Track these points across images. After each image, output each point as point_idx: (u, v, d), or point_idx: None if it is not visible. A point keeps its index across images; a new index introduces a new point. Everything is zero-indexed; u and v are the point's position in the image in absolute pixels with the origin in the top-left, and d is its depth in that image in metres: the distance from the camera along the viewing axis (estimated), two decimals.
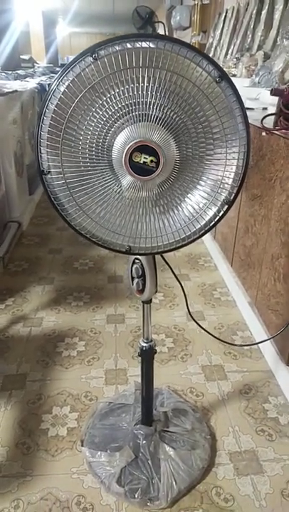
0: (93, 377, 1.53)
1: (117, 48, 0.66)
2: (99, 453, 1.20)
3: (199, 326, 1.30)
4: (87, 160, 0.74)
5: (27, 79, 4.01)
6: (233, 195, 0.77)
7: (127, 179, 0.72)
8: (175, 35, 6.99)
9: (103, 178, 0.75)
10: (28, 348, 1.67)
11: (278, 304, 1.53)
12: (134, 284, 0.99)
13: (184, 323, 1.84)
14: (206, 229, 0.80)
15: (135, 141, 0.68)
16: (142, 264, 0.95)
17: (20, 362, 1.60)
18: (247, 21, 3.17)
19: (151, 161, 0.69)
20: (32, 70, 5.09)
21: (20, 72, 4.26)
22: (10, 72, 4.01)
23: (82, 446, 1.24)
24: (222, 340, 1.54)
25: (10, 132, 2.56)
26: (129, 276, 1.00)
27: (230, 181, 0.76)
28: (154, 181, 0.72)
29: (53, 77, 4.98)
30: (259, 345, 1.70)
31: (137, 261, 0.96)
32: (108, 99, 0.71)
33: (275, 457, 1.23)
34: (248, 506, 1.10)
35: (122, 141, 0.72)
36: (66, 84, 0.69)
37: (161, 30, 7.26)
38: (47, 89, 4.03)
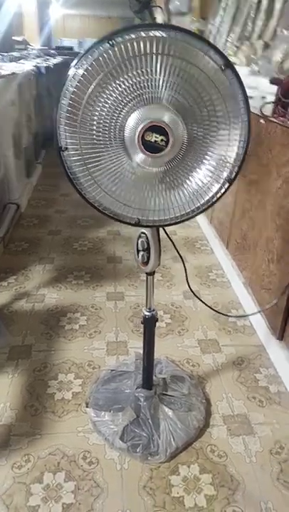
0: (95, 348, 1.62)
1: (132, 36, 0.74)
2: (103, 413, 1.29)
3: (199, 299, 1.39)
4: (101, 138, 0.82)
5: (22, 61, 3.99)
6: (234, 173, 0.85)
7: (139, 156, 0.80)
8: (173, 21, 6.98)
9: (116, 155, 0.83)
10: (32, 322, 1.76)
11: (271, 283, 1.63)
12: (140, 256, 1.07)
13: (181, 301, 1.94)
14: (209, 204, 0.89)
15: (147, 121, 0.76)
16: (147, 238, 1.04)
17: (25, 334, 1.69)
18: (247, 10, 3.21)
19: (162, 140, 0.77)
20: (26, 52, 5.05)
21: (15, 54, 4.24)
22: (5, 53, 3.99)
23: (87, 407, 1.34)
24: (218, 312, 1.64)
25: (8, 115, 2.59)
26: (135, 248, 1.08)
27: (231, 160, 0.85)
28: (162, 159, 0.80)
29: (48, 59, 4.97)
30: (252, 321, 1.80)
31: (142, 235, 1.04)
32: (122, 83, 0.78)
33: (265, 421, 1.34)
34: (240, 462, 1.21)
35: (134, 121, 0.79)
36: (84, 67, 0.76)
37: (159, 15, 7.25)
38: (43, 71, 4.04)
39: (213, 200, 0.88)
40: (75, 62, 0.77)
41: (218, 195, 0.87)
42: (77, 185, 0.85)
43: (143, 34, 0.72)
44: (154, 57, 0.74)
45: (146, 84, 0.77)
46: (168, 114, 0.77)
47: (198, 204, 0.89)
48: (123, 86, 0.78)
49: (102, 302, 1.91)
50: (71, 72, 0.77)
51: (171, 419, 1.27)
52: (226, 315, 1.80)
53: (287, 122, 1.53)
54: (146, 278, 1.16)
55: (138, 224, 0.90)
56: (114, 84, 0.78)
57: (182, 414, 1.30)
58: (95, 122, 0.81)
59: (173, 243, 1.16)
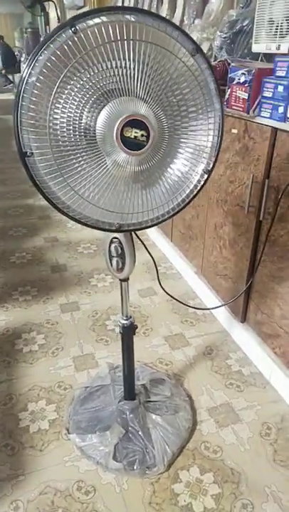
0: (62, 366, 1.50)
1: (98, 21, 0.65)
2: (88, 436, 1.20)
3: (172, 297, 1.35)
4: (72, 139, 0.73)
5: None
6: (212, 163, 0.82)
7: (120, 156, 0.72)
8: (68, 15, 6.78)
9: (91, 156, 0.74)
10: None
11: (226, 269, 1.65)
12: (114, 262, 1.00)
13: (138, 300, 1.89)
14: (190, 198, 0.84)
15: (125, 115, 0.69)
16: (120, 243, 0.96)
17: None
18: (149, 2, 3.21)
19: (142, 135, 0.71)
20: None
21: None
22: None
23: (69, 434, 1.23)
24: (189, 305, 1.62)
25: None
26: (107, 255, 1.00)
27: (208, 150, 0.81)
28: (143, 156, 0.74)
29: None
30: (213, 310, 1.82)
31: (114, 240, 0.96)
32: (90, 75, 0.69)
33: (247, 405, 1.36)
34: (235, 452, 1.20)
35: (106, 117, 0.71)
36: (44, 60, 0.66)
37: (51, 10, 6.98)
38: None
39: (194, 194, 0.84)
40: (33, 53, 0.67)
41: (198, 188, 0.83)
42: (49, 194, 0.74)
43: (112, 18, 0.65)
44: (126, 43, 0.66)
45: (117, 75, 0.69)
46: (144, 106, 0.71)
47: (178, 200, 0.84)
48: (91, 79, 0.69)
49: (57, 316, 1.78)
50: (27, 66, 0.67)
51: (161, 426, 1.22)
52: (198, 308, 1.79)
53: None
54: (121, 285, 1.09)
55: (119, 230, 0.82)
56: (80, 78, 0.69)
57: (170, 418, 1.26)
58: (63, 121, 0.71)
59: (144, 245, 1.10)
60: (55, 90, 0.67)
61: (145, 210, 0.82)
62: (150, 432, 1.21)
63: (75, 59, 0.66)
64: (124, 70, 0.69)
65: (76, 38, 0.66)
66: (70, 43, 0.65)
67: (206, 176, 0.82)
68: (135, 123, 0.70)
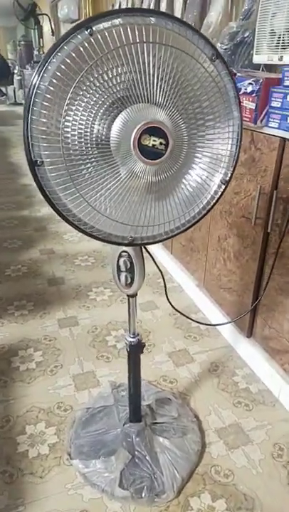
0: (61, 386, 1.43)
1: (117, 22, 0.61)
2: (92, 461, 1.13)
3: (177, 311, 1.30)
4: (83, 148, 0.68)
5: None
6: (230, 173, 0.78)
7: (137, 165, 0.68)
8: (63, 29, 6.80)
9: (103, 166, 0.69)
10: None
11: (231, 282, 1.61)
12: (122, 277, 0.95)
13: (140, 314, 1.83)
14: (206, 211, 0.80)
15: (143, 122, 0.64)
16: (129, 257, 0.91)
17: None
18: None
19: (160, 143, 0.66)
20: None
21: None
22: None
23: (71, 459, 1.16)
24: (199, 322, 1.56)
25: None
26: (115, 270, 0.95)
27: (226, 159, 0.77)
28: (162, 165, 0.69)
29: None
30: (215, 323, 1.77)
31: (124, 253, 0.91)
32: (105, 79, 0.65)
33: (257, 425, 1.30)
34: (247, 476, 1.14)
35: (122, 124, 0.67)
36: (57, 63, 0.62)
37: (45, 23, 7.01)
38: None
39: (211, 205, 0.79)
40: (46, 55, 0.63)
41: (215, 199, 0.79)
42: (59, 206, 0.69)
43: (130, 20, 0.61)
44: (145, 46, 0.62)
45: (135, 80, 0.65)
46: (162, 113, 0.67)
47: (194, 212, 0.79)
48: (107, 83, 0.65)
49: (54, 331, 1.71)
50: (39, 70, 0.62)
51: (170, 450, 1.16)
52: (207, 324, 1.74)
53: None
54: (128, 300, 1.04)
55: (132, 243, 0.77)
56: (96, 82, 0.64)
57: (179, 441, 1.19)
58: (75, 128, 0.67)
59: (153, 259, 1.05)
60: (69, 95, 0.63)
61: (161, 223, 0.78)
62: (158, 456, 1.14)
63: (90, 62, 0.62)
64: (143, 75, 0.65)
65: (92, 40, 0.61)
66: (85, 44, 0.61)
67: (223, 187, 0.78)
68: (153, 130, 0.66)
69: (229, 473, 1.15)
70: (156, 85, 0.66)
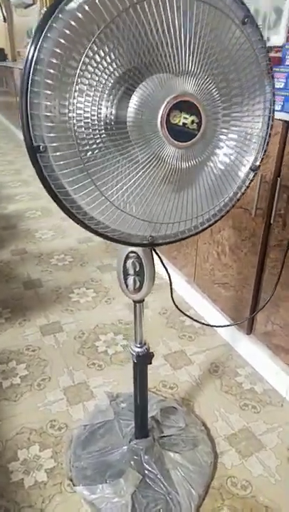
0: (52, 401, 1.29)
1: None
2: (100, 486, 1.01)
3: (184, 314, 1.19)
4: (96, 129, 0.55)
5: None
6: (260, 159, 0.67)
7: (163, 149, 0.55)
8: (15, 14, 6.44)
9: (121, 150, 0.57)
10: None
11: (226, 277, 1.52)
12: (130, 281, 0.82)
13: (128, 315, 1.71)
14: (232, 204, 0.69)
15: (174, 94, 0.52)
16: (138, 258, 0.79)
17: None
18: None
19: (192, 121, 0.54)
20: None
21: None
22: None
23: (74, 485, 1.03)
24: (208, 325, 1.47)
25: None
26: (121, 273, 0.83)
27: (256, 140, 0.66)
28: (190, 148, 0.57)
29: None
30: (209, 321, 1.68)
31: (132, 254, 0.79)
32: (122, 41, 0.52)
33: (267, 428, 1.23)
34: (266, 486, 1.07)
35: (144, 99, 0.54)
36: (61, 29, 0.48)
37: None
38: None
39: (237, 197, 0.69)
40: (41, 22, 0.49)
41: (242, 190, 0.68)
42: (67, 202, 0.56)
43: None
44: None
45: (159, 42, 0.52)
46: (194, 83, 0.54)
47: (220, 205, 0.68)
48: (124, 47, 0.52)
49: (37, 340, 1.56)
50: (35, 41, 0.48)
51: (182, 465, 1.06)
52: (210, 325, 1.63)
53: None
54: (134, 307, 0.92)
55: (152, 243, 0.65)
56: (110, 47, 0.51)
57: (190, 454, 1.10)
58: (88, 105, 0.54)
59: (160, 257, 0.93)
60: (79, 66, 0.49)
61: (183, 220, 0.66)
62: (170, 473, 1.04)
63: (104, 23, 0.49)
64: (168, 36, 0.52)
65: None
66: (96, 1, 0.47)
67: (252, 174, 0.68)
68: (183, 106, 0.53)
69: (246, 484, 1.07)
70: (186, 48, 0.53)
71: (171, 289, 1.07)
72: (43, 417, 1.24)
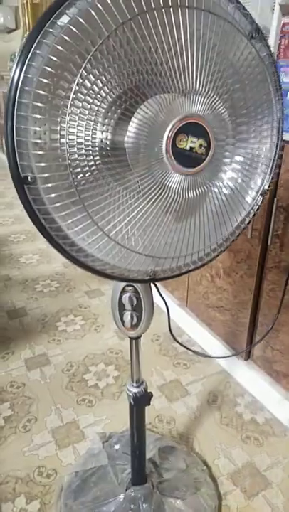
0: (39, 445, 1.19)
1: None
2: None
3: (179, 343, 1.12)
4: (90, 157, 0.48)
5: None
6: (269, 181, 0.62)
7: (168, 177, 0.49)
8: None
9: (123, 182, 0.50)
10: None
11: (222, 300, 1.46)
12: (127, 317, 0.75)
13: (118, 343, 1.62)
14: (239, 232, 0.63)
15: (180, 117, 0.46)
16: (135, 291, 0.72)
17: None
18: None
19: (200, 145, 0.48)
20: None
21: None
22: None
23: None
24: (211, 357, 1.39)
25: None
26: (117, 309, 0.75)
27: (264, 162, 0.61)
28: (200, 176, 0.51)
29: None
30: (203, 346, 1.61)
31: (128, 288, 0.72)
32: (120, 60, 0.46)
33: (272, 462, 1.15)
34: None
35: (145, 122, 0.48)
36: (52, 46, 0.42)
37: None
38: None
39: (244, 225, 0.63)
40: (29, 38, 0.43)
41: (250, 215, 0.62)
42: (59, 237, 0.49)
43: None
44: (178, 12, 0.44)
45: (164, 59, 0.46)
46: (204, 103, 0.49)
47: (227, 233, 0.62)
48: (124, 65, 0.46)
49: (22, 375, 1.45)
50: (21, 60, 0.42)
51: None
52: (212, 357, 1.55)
53: None
54: (131, 343, 0.84)
55: (154, 279, 0.58)
56: (106, 66, 0.45)
57: (193, 499, 1.01)
58: (81, 129, 0.47)
59: (157, 289, 0.86)
60: (73, 87, 0.43)
61: (189, 251, 0.59)
62: None
63: (101, 38, 0.43)
64: (174, 51, 0.47)
65: (99, 4, 0.42)
66: (91, 11, 0.41)
67: (261, 199, 0.62)
68: (190, 128, 0.47)
69: None
70: (192, 64, 0.48)
71: (168, 318, 1.00)
72: (30, 463, 1.13)
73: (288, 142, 1.07)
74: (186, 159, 0.48)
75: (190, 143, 0.47)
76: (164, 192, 0.50)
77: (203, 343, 1.62)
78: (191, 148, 0.48)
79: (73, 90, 0.42)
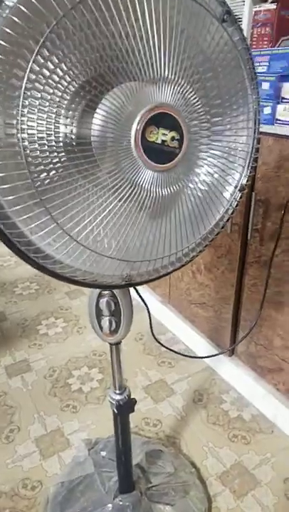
0: (22, 456, 1.14)
1: None
2: None
3: (164, 346, 1.09)
4: (52, 153, 0.44)
5: None
6: (247, 175, 0.59)
7: (140, 174, 0.45)
8: None
9: (92, 180, 0.46)
10: None
11: (204, 296, 1.44)
12: (105, 323, 0.71)
13: (102, 345, 1.58)
14: (218, 230, 0.60)
15: (149, 107, 0.42)
16: (113, 295, 0.68)
17: None
18: None
19: (173, 138, 0.45)
20: None
21: None
22: None
23: None
24: (185, 355, 1.35)
25: None
26: (94, 315, 0.71)
27: (242, 156, 0.58)
28: (173, 172, 0.48)
29: None
30: (187, 343, 1.59)
31: (105, 292, 0.68)
32: (79, 45, 0.42)
33: (260, 460, 1.14)
34: None
35: (112, 113, 0.44)
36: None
37: None
38: None
39: (224, 222, 0.60)
40: None
41: (229, 212, 0.59)
42: (21, 244, 0.44)
43: None
44: None
45: (128, 43, 0.42)
46: (174, 92, 0.45)
47: (205, 232, 0.59)
48: (81, 51, 0.42)
49: (3, 383, 1.40)
50: None
51: None
52: (197, 357, 1.51)
53: None
54: (111, 349, 0.80)
55: (129, 283, 0.54)
56: (63, 52, 0.41)
57: (182, 503, 0.98)
58: (42, 123, 0.43)
59: (136, 290, 0.82)
60: (26, 75, 0.39)
61: (166, 253, 0.56)
62: None
63: (55, 20, 0.39)
64: (139, 34, 0.43)
65: None
66: None
67: (239, 195, 0.59)
68: (160, 120, 0.44)
69: None
70: (160, 49, 0.44)
71: (150, 319, 0.97)
72: (14, 476, 1.08)
73: (264, 134, 1.05)
74: (158, 154, 0.45)
75: (161, 135, 0.44)
76: (135, 190, 0.46)
77: (187, 340, 1.59)
78: (163, 141, 0.44)
79: (28, 79, 0.38)
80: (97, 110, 0.44)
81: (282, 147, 1.03)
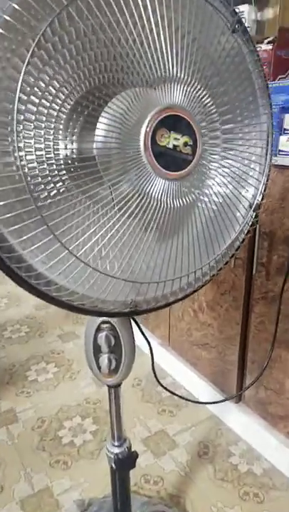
0: None
1: None
2: None
3: (168, 390, 0.99)
4: (52, 171, 0.39)
5: None
6: (261, 194, 0.54)
7: (149, 182, 0.40)
8: None
9: (94, 195, 0.41)
10: None
11: (206, 337, 1.35)
12: (104, 361, 0.63)
13: (96, 391, 1.46)
14: (232, 253, 0.54)
15: (158, 108, 0.38)
16: (113, 328, 0.61)
17: None
18: None
19: (185, 143, 0.40)
20: None
21: None
22: None
23: None
24: (188, 400, 1.25)
25: None
26: (92, 352, 0.63)
27: (256, 168, 0.53)
28: (187, 180, 0.42)
29: None
30: (189, 389, 1.48)
31: (104, 325, 0.61)
32: (84, 44, 0.38)
33: None
34: None
35: (117, 116, 0.40)
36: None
37: None
38: None
39: (238, 244, 0.54)
40: None
41: (243, 234, 0.54)
42: (21, 269, 0.38)
43: None
44: None
45: (134, 45, 0.39)
46: (185, 92, 0.41)
47: (218, 255, 0.53)
48: (79, 56, 0.38)
49: None
50: None
51: None
52: (202, 403, 1.40)
53: None
54: (109, 392, 0.71)
55: (134, 311, 0.47)
56: (60, 58, 0.37)
57: None
58: (40, 140, 0.38)
59: (138, 324, 0.75)
60: (18, 87, 0.34)
61: (177, 275, 0.50)
62: None
63: (49, 19, 0.35)
64: (149, 35, 0.39)
65: None
66: None
67: (253, 214, 0.54)
68: (171, 123, 0.39)
69: None
70: (173, 54, 0.40)
71: (152, 358, 0.88)
72: None
73: (274, 166, 1.03)
74: (170, 160, 0.40)
75: (173, 140, 0.39)
76: (144, 200, 0.41)
77: (189, 385, 1.48)
78: (175, 146, 0.40)
79: (19, 100, 0.33)
80: (100, 119, 0.40)
81: (285, 178, 1.01)
